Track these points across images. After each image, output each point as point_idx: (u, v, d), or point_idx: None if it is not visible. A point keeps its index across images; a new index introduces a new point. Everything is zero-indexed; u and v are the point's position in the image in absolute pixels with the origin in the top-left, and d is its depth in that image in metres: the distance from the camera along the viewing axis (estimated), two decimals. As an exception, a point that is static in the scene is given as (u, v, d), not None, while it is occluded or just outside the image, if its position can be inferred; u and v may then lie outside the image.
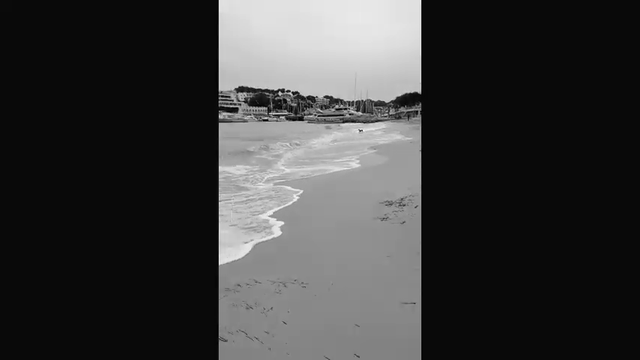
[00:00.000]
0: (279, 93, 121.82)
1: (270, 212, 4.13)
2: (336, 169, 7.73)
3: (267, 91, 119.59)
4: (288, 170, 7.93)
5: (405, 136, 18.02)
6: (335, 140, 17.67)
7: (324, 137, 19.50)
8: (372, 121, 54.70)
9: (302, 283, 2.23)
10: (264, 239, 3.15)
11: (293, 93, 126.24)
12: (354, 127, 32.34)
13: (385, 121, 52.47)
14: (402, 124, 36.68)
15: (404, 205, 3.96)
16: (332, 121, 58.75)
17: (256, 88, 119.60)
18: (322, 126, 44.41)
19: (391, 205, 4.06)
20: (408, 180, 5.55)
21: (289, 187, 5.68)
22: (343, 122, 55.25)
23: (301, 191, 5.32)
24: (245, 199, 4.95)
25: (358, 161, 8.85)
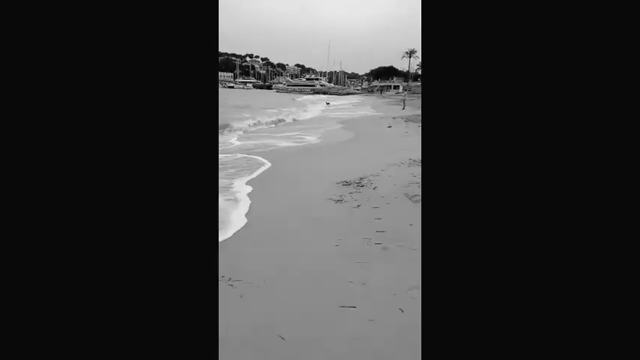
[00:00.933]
0: (247, 58, 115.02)
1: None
2: (292, 144, 7.28)
3: (234, 55, 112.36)
4: (238, 143, 7.34)
5: (377, 111, 17.72)
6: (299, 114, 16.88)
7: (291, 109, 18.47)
8: (344, 94, 53.79)
9: (230, 280, 1.88)
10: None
11: (262, 59, 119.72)
12: (322, 100, 31.39)
13: (357, 95, 51.79)
14: (374, 99, 36.27)
15: (362, 186, 3.69)
16: (302, 92, 57.00)
17: (222, 52, 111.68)
18: (290, 96, 42.82)
19: (349, 185, 3.77)
20: (371, 159, 5.29)
21: (241, 162, 5.18)
22: (314, 93, 53.77)
23: (253, 171, 4.85)
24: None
25: (319, 137, 8.34)
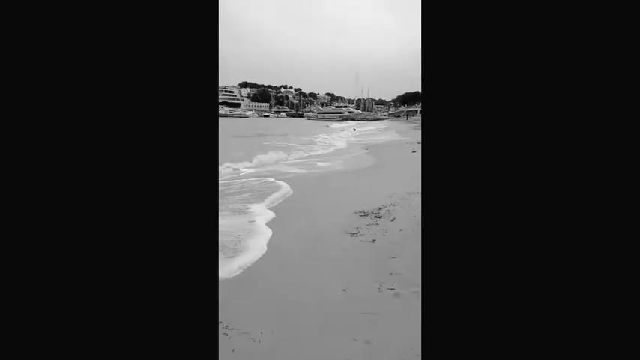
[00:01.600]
0: (282, 89, 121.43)
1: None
2: (315, 171, 7.26)
3: (270, 87, 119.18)
4: (251, 170, 7.36)
5: (402, 136, 17.50)
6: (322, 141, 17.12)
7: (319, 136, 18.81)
8: (371, 120, 54.23)
9: (227, 327, 1.75)
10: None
11: (295, 90, 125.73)
12: (350, 127, 31.77)
13: (384, 120, 51.91)
14: (400, 123, 36.09)
15: (379, 218, 3.49)
16: (331, 119, 58.37)
17: (259, 83, 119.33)
18: (322, 123, 43.96)
19: (366, 216, 3.59)
20: (392, 185, 5.07)
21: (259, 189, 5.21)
22: (342, 120, 54.79)
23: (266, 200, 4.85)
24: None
25: (342, 162, 8.30)
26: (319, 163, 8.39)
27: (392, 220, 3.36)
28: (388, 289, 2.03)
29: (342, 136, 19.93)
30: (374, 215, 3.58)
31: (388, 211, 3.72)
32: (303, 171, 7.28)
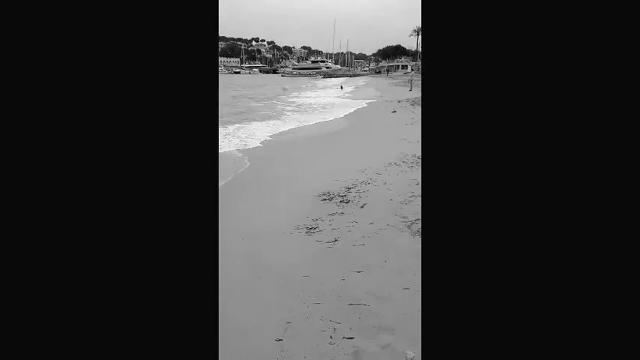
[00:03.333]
0: (253, 43, 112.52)
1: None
2: (280, 137, 6.33)
3: (240, 40, 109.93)
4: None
5: (381, 94, 16.38)
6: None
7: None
8: (351, 76, 51.65)
9: None
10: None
11: (268, 43, 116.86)
12: (333, 83, 29.83)
13: (365, 76, 49.63)
14: (381, 79, 34.38)
15: (346, 203, 2.78)
16: (308, 75, 55.21)
17: (228, 37, 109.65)
18: (298, 80, 41.26)
19: (330, 200, 2.86)
20: (367, 157, 4.33)
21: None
22: (322, 76, 51.91)
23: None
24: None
25: (309, 126, 7.33)
26: (285, 122, 7.41)
27: (362, 207, 2.66)
28: (344, 338, 1.33)
29: (329, 94, 18.48)
30: (340, 199, 2.86)
31: (358, 192, 3.01)
32: (265, 134, 6.34)
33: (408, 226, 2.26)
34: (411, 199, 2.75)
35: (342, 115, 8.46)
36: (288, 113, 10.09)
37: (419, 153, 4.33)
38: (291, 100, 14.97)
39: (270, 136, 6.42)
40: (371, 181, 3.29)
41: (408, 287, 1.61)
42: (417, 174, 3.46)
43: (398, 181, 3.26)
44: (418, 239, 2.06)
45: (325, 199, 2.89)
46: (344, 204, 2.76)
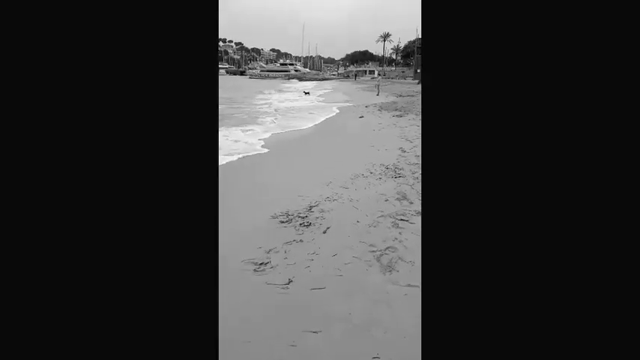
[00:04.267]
0: (221, 43, 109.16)
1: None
2: (235, 148, 5.82)
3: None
4: None
5: (349, 99, 16.31)
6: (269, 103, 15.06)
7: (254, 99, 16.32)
8: (319, 79, 51.80)
9: None
10: None
11: (236, 44, 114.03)
12: (298, 87, 29.49)
13: (333, 80, 49.99)
14: (349, 84, 34.70)
15: (307, 226, 2.39)
16: (276, 77, 54.52)
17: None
18: (265, 82, 40.38)
19: (289, 222, 2.46)
20: (332, 167, 3.98)
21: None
22: (289, 79, 51.45)
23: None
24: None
25: (270, 134, 6.73)
26: (241, 137, 6.88)
27: (324, 232, 2.29)
28: None
29: (289, 98, 17.98)
30: (300, 221, 2.46)
31: (322, 212, 2.63)
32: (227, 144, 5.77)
33: (377, 258, 1.91)
34: (379, 219, 2.43)
35: (310, 123, 8.07)
36: (243, 120, 9.52)
37: (387, 162, 4.08)
38: (256, 104, 14.33)
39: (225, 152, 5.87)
40: (336, 197, 2.93)
41: (377, 357, 1.23)
42: (385, 187, 3.17)
43: (365, 196, 2.94)
44: (389, 277, 1.72)
45: (283, 222, 2.47)
46: (304, 228, 2.36)
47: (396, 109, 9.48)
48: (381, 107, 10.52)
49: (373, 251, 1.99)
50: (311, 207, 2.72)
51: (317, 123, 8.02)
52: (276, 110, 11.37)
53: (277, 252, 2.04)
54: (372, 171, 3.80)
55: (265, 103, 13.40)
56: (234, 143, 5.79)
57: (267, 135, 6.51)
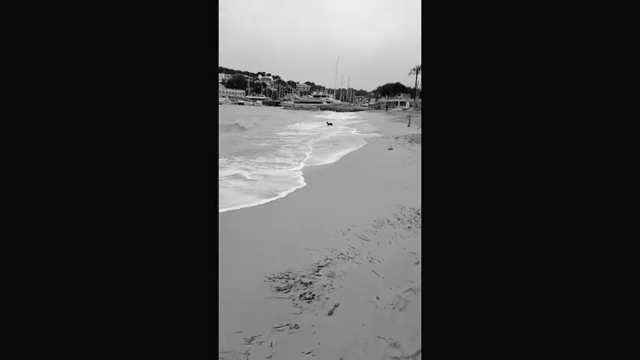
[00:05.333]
0: (259, 76, 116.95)
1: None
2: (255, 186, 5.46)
3: (246, 73, 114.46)
4: None
5: (378, 129, 15.91)
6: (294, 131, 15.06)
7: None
8: (351, 110, 52.66)
9: None
10: None
11: (274, 77, 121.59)
12: (328, 116, 29.94)
13: (363, 111, 50.51)
14: (379, 115, 34.66)
15: (309, 299, 1.81)
16: (309, 108, 56.40)
17: (235, 69, 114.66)
18: (298, 113, 41.73)
19: (288, 290, 1.90)
20: (352, 210, 3.42)
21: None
22: (322, 110, 52.92)
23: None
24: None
25: (280, 174, 5.72)
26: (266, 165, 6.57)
27: (330, 313, 1.68)
28: None
29: (313, 129, 18.06)
30: (302, 290, 1.89)
31: (331, 276, 2.04)
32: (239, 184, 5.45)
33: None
34: (406, 296, 1.79)
35: (333, 157, 7.66)
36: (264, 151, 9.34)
37: (419, 204, 3.44)
38: (281, 133, 14.37)
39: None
40: (352, 254, 2.34)
41: None
42: (416, 242, 2.52)
43: (389, 255, 2.32)
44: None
45: (280, 289, 1.92)
46: (305, 302, 1.79)
47: (428, 142, 8.80)
48: (412, 139, 9.91)
49: (397, 359, 1.34)
50: (319, 267, 2.16)
51: (341, 156, 7.57)
52: (300, 143, 11.20)
53: (261, 343, 1.47)
54: (400, 217, 3.17)
55: (289, 135, 13.34)
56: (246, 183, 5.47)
57: (282, 171, 5.85)
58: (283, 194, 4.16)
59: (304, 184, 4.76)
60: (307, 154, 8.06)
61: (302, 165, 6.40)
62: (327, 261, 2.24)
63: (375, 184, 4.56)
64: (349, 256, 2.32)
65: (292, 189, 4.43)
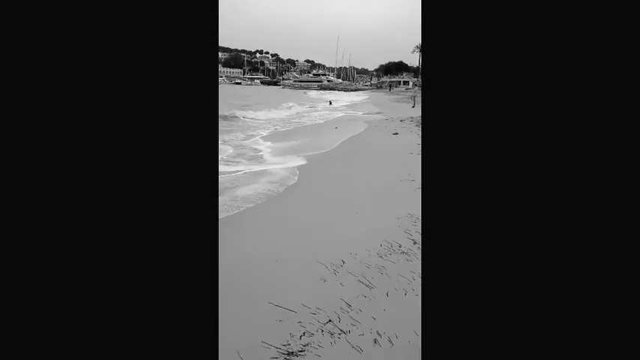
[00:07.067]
0: (257, 55, 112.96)
1: None
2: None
3: (244, 52, 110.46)
4: None
5: (381, 110, 14.72)
6: (290, 115, 13.84)
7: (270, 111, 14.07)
8: (352, 90, 50.72)
9: None
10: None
11: (272, 55, 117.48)
12: (327, 96, 28.51)
13: (365, 90, 48.58)
14: (381, 95, 33.05)
15: None
16: (308, 88, 54.44)
17: (232, 48, 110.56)
18: (295, 92, 40.02)
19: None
20: (349, 223, 2.51)
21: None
22: (321, 89, 51.01)
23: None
24: None
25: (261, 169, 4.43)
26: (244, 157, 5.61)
27: None
28: None
29: (315, 109, 16.81)
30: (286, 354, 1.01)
31: (332, 324, 1.16)
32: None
33: None
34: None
35: (330, 143, 6.64)
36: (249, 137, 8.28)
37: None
38: (273, 116, 13.21)
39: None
40: (346, 323, 1.45)
41: None
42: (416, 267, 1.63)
43: (403, 318, 1.42)
44: None
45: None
46: None
47: (438, 126, 7.78)
48: (419, 122, 8.86)
49: None
50: (288, 356, 1.27)
51: (340, 142, 6.57)
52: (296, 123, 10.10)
53: None
54: (414, 234, 2.27)
55: (279, 119, 12.15)
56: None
57: (260, 167, 4.57)
58: (250, 205, 3.24)
59: (285, 186, 3.82)
60: (298, 139, 7.06)
61: (280, 160, 5.43)
62: (304, 339, 1.35)
63: (380, 183, 3.63)
64: (340, 328, 1.42)
65: (270, 193, 3.49)
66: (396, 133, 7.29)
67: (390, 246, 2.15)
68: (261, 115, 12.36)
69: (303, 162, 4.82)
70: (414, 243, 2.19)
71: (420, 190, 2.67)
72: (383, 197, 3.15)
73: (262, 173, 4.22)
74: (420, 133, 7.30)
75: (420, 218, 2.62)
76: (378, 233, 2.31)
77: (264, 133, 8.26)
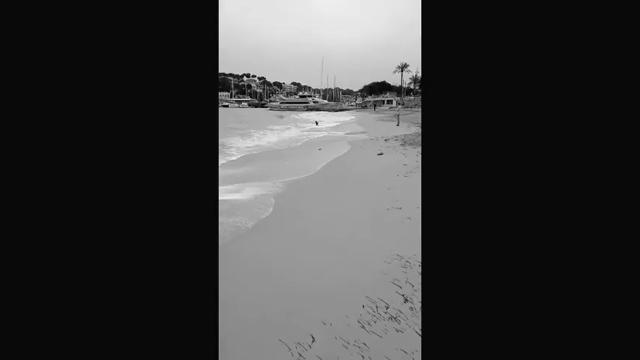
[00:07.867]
0: (244, 78, 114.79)
1: None
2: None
3: (231, 75, 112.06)
4: None
5: (365, 130, 14.57)
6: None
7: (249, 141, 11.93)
8: (337, 110, 51.48)
9: None
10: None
11: (259, 78, 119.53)
12: (313, 118, 28.59)
13: (351, 110, 49.35)
14: (366, 114, 33.45)
15: None
16: (295, 109, 54.99)
17: (220, 72, 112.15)
18: (278, 114, 40.08)
19: None
20: (328, 270, 2.03)
21: None
22: (308, 110, 51.58)
23: None
24: None
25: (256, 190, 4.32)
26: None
27: None
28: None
29: (300, 129, 16.53)
30: None
31: None
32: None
33: None
34: None
35: (313, 167, 6.24)
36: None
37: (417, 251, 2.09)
38: (249, 141, 12.83)
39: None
40: None
41: None
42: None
43: None
44: None
45: None
46: None
47: (424, 145, 7.52)
48: (405, 141, 8.62)
49: None
50: None
51: (323, 165, 6.17)
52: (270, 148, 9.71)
53: None
54: (403, 285, 1.82)
55: (256, 145, 11.72)
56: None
57: (240, 196, 4.07)
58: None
59: (257, 220, 3.33)
60: (280, 165, 6.62)
61: (261, 185, 4.95)
62: None
63: (364, 214, 3.19)
64: None
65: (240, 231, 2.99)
66: (381, 154, 6.98)
67: (375, 308, 1.68)
68: (249, 141, 11.42)
69: (280, 189, 4.36)
70: (405, 301, 1.73)
71: (409, 221, 2.19)
72: (367, 233, 2.70)
73: (233, 203, 3.71)
74: (406, 152, 7.02)
75: (410, 261, 2.19)
76: (361, 289, 1.84)
77: (235, 158, 7.69)
